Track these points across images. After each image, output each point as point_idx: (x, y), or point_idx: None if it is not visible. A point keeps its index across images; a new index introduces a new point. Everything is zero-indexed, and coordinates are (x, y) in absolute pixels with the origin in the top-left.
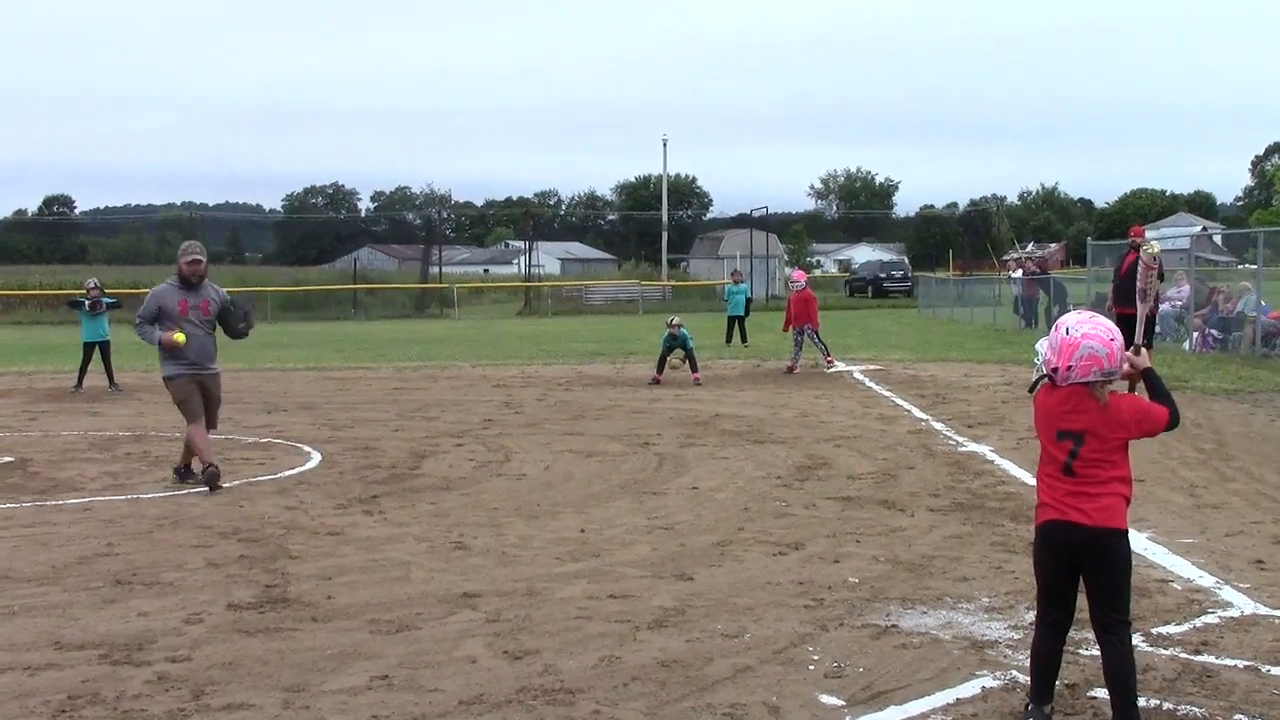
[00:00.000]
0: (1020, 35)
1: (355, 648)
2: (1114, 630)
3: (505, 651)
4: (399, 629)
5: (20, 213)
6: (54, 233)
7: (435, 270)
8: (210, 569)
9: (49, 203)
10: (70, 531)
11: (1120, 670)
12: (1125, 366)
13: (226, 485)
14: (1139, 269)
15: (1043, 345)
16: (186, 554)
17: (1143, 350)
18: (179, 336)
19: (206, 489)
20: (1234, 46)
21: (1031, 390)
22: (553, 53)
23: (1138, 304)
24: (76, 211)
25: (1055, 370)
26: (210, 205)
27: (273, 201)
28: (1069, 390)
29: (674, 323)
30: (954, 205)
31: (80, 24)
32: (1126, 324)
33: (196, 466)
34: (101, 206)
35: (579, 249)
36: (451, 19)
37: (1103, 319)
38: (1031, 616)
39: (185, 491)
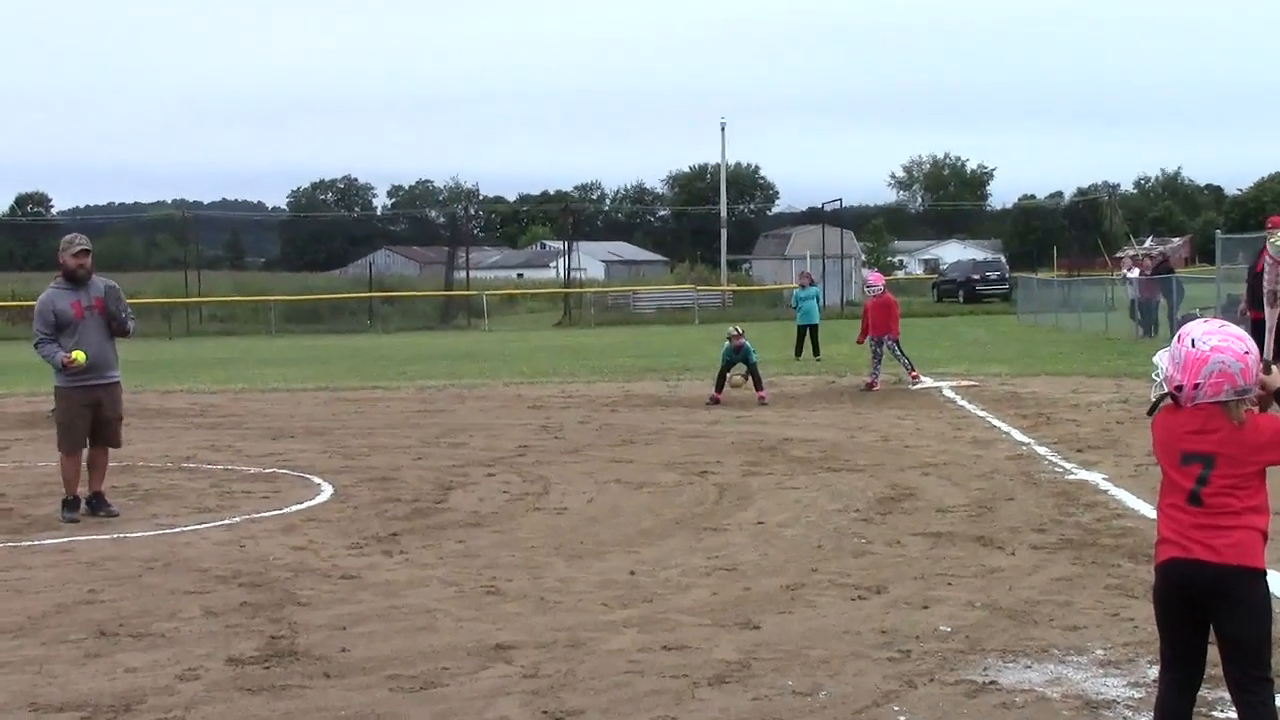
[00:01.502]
0: (1136, 1)
1: (373, 708)
2: (1252, 689)
3: (544, 711)
4: (423, 686)
5: None
6: (28, 236)
7: (462, 275)
8: (207, 618)
9: (22, 202)
10: (47, 576)
11: None
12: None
13: (228, 522)
14: (1267, 265)
15: (1163, 359)
16: (180, 601)
17: (1274, 368)
18: (79, 356)
19: (64, 517)
20: None
21: (1151, 413)
22: (595, 29)
23: (1266, 309)
24: (54, 211)
25: (1179, 389)
26: (205, 203)
27: (276, 199)
28: (1196, 407)
29: (736, 333)
30: (1058, 195)
31: (57, 3)
32: (1262, 329)
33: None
34: (82, 205)
35: (626, 250)
36: None
37: (1233, 328)
38: (1154, 672)
39: (178, 529)
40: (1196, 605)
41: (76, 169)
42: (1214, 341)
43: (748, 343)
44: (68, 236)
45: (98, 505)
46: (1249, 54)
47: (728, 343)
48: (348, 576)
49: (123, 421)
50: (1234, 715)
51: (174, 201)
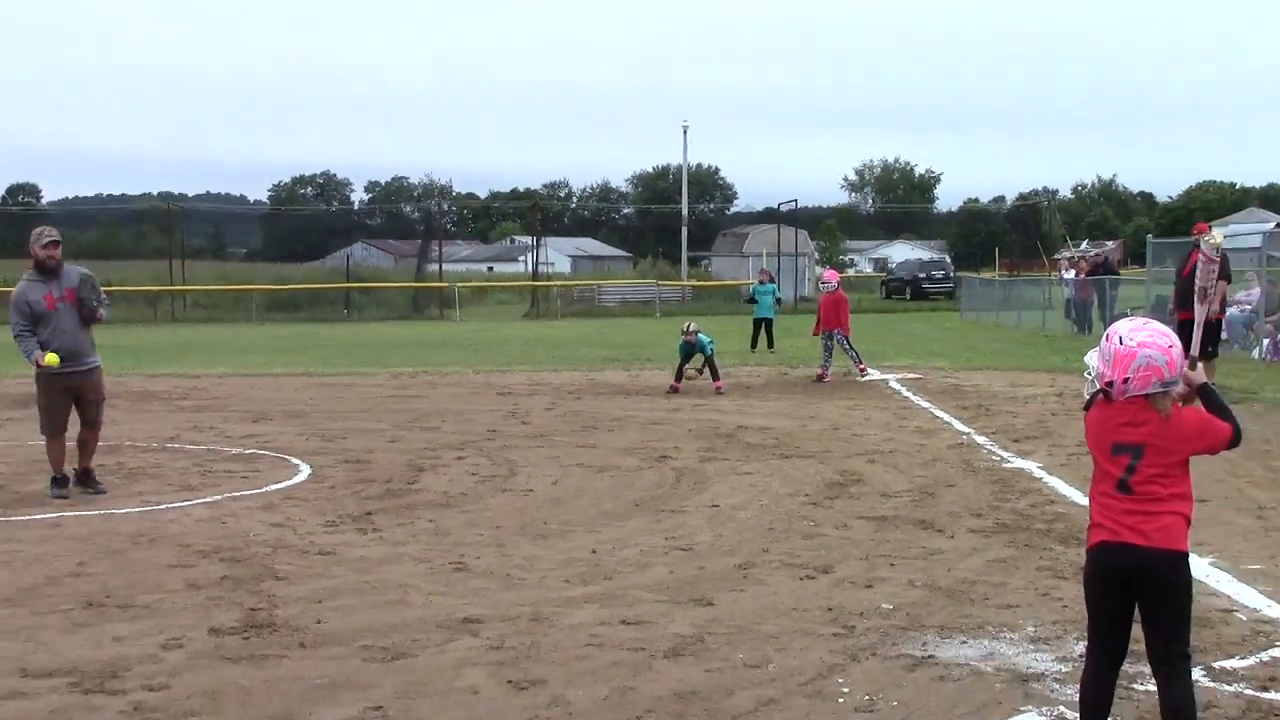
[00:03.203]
0: (1071, 15)
1: (347, 677)
2: (1173, 664)
3: (509, 681)
4: (394, 657)
5: None
6: (20, 225)
7: (434, 268)
8: (190, 590)
9: (13, 191)
10: (38, 550)
11: (1180, 707)
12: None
13: (210, 500)
14: (1199, 263)
15: (1093, 358)
16: (164, 574)
17: (1199, 365)
18: (52, 359)
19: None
20: None
21: (1087, 408)
22: (563, 33)
23: (1195, 305)
24: (44, 201)
25: (1110, 384)
26: (189, 195)
27: (258, 192)
28: (1126, 401)
29: (689, 329)
30: (1001, 199)
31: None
32: (1189, 330)
33: (68, 470)
34: (71, 196)
35: (591, 245)
36: None
37: (1157, 324)
38: (1081, 648)
39: (162, 506)
40: (1125, 586)
41: (64, 158)
42: (1140, 337)
43: (702, 336)
44: (37, 229)
45: (86, 481)
46: (1183, 66)
47: (683, 338)
48: (324, 553)
49: (104, 403)
50: (1154, 688)
51: (160, 194)
